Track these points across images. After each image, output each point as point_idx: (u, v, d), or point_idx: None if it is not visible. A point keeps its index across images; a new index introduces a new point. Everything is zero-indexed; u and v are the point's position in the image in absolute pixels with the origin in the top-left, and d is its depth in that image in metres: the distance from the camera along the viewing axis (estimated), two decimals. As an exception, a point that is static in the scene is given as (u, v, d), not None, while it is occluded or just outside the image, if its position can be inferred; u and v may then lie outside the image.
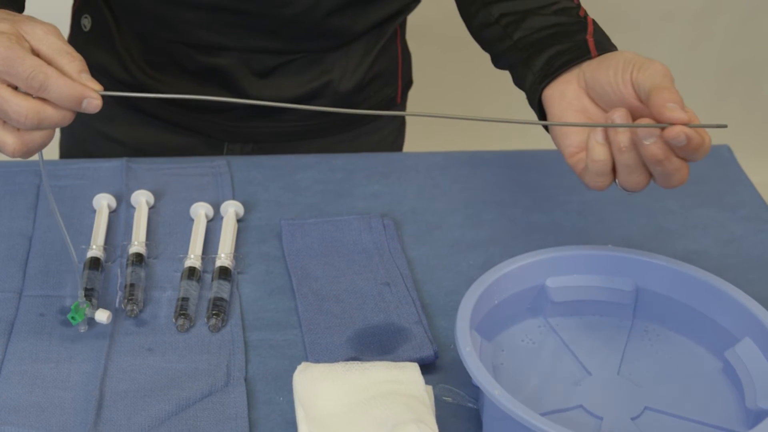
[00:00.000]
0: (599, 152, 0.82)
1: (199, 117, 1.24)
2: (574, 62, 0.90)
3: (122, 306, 0.93)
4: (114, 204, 1.06)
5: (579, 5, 1.00)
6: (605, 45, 0.92)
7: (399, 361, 0.87)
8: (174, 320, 0.92)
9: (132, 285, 0.95)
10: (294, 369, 0.84)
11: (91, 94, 0.80)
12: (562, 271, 0.92)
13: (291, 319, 0.94)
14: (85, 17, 1.24)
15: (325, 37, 1.18)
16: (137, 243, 0.99)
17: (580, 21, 0.97)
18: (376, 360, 0.87)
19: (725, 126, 0.80)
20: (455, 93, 2.41)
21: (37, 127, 0.80)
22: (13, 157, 0.81)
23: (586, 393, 0.86)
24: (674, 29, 2.41)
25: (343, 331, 0.92)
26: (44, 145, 0.82)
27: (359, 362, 0.83)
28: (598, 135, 0.83)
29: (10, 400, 0.84)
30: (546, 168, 1.17)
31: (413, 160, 1.18)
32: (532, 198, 1.12)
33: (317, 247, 1.02)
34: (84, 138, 1.30)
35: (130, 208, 1.06)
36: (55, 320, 0.92)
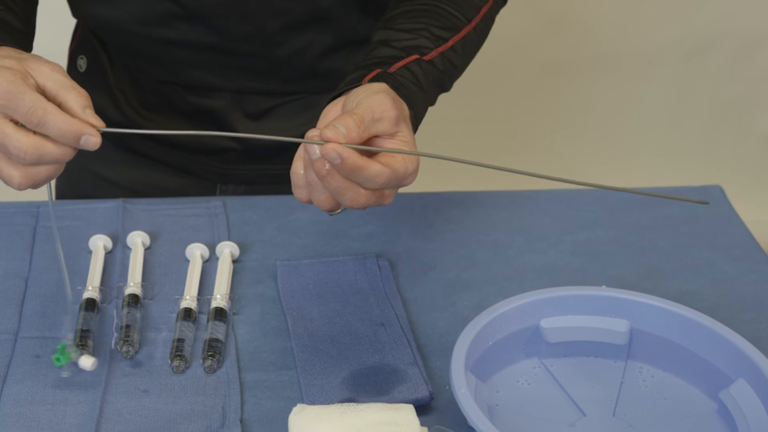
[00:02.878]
0: (296, 165, 0.86)
1: (193, 159, 1.25)
2: (349, 88, 0.91)
3: (117, 347, 0.93)
4: (110, 245, 1.06)
5: (434, 48, 1.01)
6: (389, 80, 0.92)
7: (394, 402, 0.87)
8: (169, 361, 0.92)
9: (127, 326, 0.95)
10: (289, 410, 0.84)
11: (89, 131, 0.80)
12: (557, 311, 0.93)
13: (286, 359, 0.94)
14: (81, 58, 1.25)
15: (317, 78, 1.19)
16: (133, 284, 1.00)
17: (398, 56, 0.97)
18: (372, 401, 0.87)
19: (707, 203, 0.83)
20: (451, 135, 2.42)
21: (38, 163, 0.81)
22: (20, 189, 0.82)
23: (581, 434, 0.86)
24: (666, 69, 2.43)
25: (339, 372, 0.92)
26: (51, 177, 0.83)
27: (354, 404, 0.84)
28: (302, 150, 0.86)
29: (6, 443, 0.84)
30: (540, 208, 1.17)
31: (407, 200, 1.18)
32: (526, 238, 1.12)
33: (312, 287, 1.03)
34: (78, 179, 1.30)
35: (126, 249, 1.06)
36: (50, 362, 0.91)
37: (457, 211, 1.16)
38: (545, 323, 0.92)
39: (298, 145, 0.87)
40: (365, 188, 0.82)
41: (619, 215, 1.17)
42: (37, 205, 1.12)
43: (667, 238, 1.14)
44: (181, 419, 0.86)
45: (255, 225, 1.12)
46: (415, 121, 0.93)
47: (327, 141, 0.80)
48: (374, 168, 0.81)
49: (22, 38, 1.01)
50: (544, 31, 2.32)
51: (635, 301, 0.92)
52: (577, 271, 1.08)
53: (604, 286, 0.94)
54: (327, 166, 0.81)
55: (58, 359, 0.88)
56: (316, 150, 0.81)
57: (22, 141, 0.79)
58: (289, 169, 1.24)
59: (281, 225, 1.12)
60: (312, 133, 0.82)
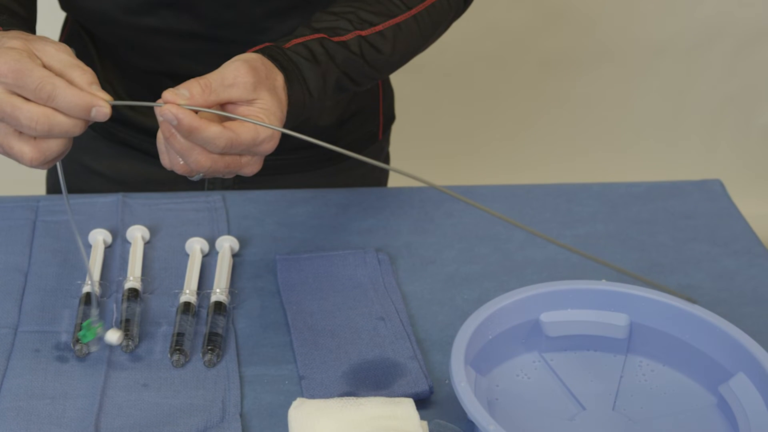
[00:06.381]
0: (160, 133, 0.86)
1: None
2: None
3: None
4: (110, 239, 1.06)
5: (352, 30, 1.01)
6: (270, 51, 0.94)
7: (394, 396, 0.87)
8: (169, 355, 0.92)
9: (127, 320, 0.95)
10: (289, 404, 0.84)
11: (99, 103, 0.82)
12: (557, 305, 0.93)
13: (286, 354, 0.94)
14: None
15: None
16: (133, 278, 1.00)
17: (303, 34, 0.99)
18: (372, 395, 0.88)
19: (696, 302, 0.89)
20: (452, 129, 2.42)
21: (49, 134, 0.82)
22: (32, 166, 0.83)
23: (580, 428, 0.86)
24: (666, 63, 2.43)
25: (338, 366, 0.92)
26: (61, 153, 0.84)
27: (354, 398, 0.84)
28: None
29: (5, 437, 0.84)
30: (540, 203, 1.17)
31: (407, 194, 1.18)
32: (526, 233, 1.12)
33: (312, 281, 1.03)
34: (69, 172, 1.30)
35: (126, 244, 1.06)
36: (50, 356, 0.92)
37: (457, 206, 1.16)
38: (545, 317, 0.92)
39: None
40: (211, 152, 0.83)
41: (618, 210, 1.17)
42: (36, 200, 1.12)
43: (667, 232, 1.14)
44: (181, 413, 0.87)
45: (255, 219, 1.12)
46: (303, 95, 0.94)
47: (167, 103, 0.82)
48: (212, 130, 0.82)
49: (26, 24, 1.02)
50: (544, 24, 2.32)
51: (635, 295, 0.92)
52: (577, 266, 1.08)
53: (603, 281, 0.94)
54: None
55: (84, 335, 0.90)
56: (161, 113, 0.83)
57: (33, 111, 0.81)
58: (277, 160, 1.25)
59: (281, 219, 1.12)
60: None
